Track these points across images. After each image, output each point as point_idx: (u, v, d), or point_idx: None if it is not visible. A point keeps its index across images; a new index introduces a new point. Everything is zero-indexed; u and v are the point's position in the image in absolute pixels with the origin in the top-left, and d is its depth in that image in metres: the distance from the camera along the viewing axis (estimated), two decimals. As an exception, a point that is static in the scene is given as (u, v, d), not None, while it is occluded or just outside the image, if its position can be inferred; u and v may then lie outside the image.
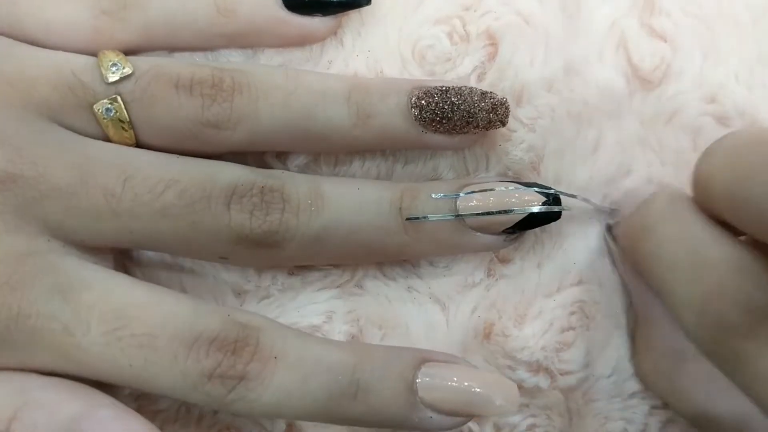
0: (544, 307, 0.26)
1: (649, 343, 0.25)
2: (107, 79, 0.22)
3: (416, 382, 0.23)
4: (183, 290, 0.26)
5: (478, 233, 0.24)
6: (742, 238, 0.21)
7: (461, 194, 0.24)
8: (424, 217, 0.24)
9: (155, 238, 0.23)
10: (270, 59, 0.26)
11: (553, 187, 0.25)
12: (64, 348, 0.21)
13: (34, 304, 0.21)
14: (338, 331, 0.26)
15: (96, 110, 0.22)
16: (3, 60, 0.22)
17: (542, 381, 0.26)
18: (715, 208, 0.20)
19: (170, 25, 0.24)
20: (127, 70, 0.22)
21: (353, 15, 0.26)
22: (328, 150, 0.25)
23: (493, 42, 0.25)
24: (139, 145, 0.23)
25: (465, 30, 0.26)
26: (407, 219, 0.24)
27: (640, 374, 0.25)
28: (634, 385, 0.26)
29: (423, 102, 0.24)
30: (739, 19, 0.26)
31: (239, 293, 0.26)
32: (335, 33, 0.26)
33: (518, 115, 0.26)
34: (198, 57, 0.25)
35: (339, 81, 0.24)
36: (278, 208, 0.23)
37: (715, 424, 0.23)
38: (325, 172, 0.26)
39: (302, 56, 0.26)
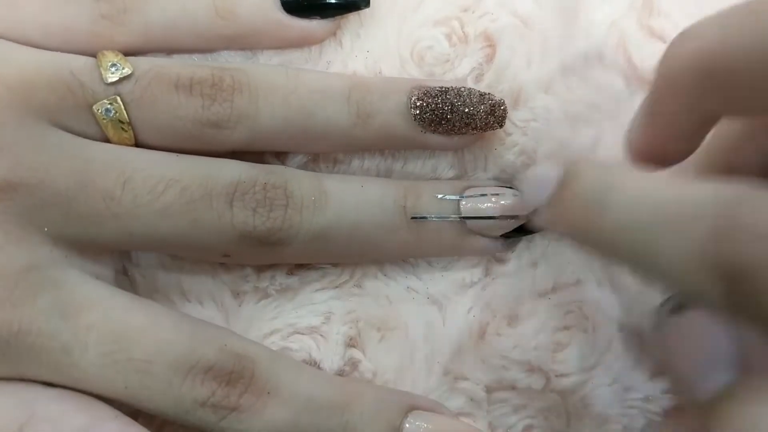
0: (538, 307, 0.26)
1: None
2: (106, 80, 0.22)
3: (403, 429, 0.23)
4: (182, 291, 0.26)
5: (478, 236, 0.25)
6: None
7: (465, 196, 0.24)
8: (429, 217, 0.24)
9: (156, 238, 0.23)
10: (269, 60, 0.26)
11: None
12: (62, 366, 0.22)
13: (35, 321, 0.21)
14: (337, 331, 0.26)
15: (95, 111, 0.22)
16: (2, 63, 0.22)
17: (536, 382, 0.26)
18: (720, 87, 0.18)
19: (169, 27, 0.24)
20: (127, 71, 0.22)
21: (352, 16, 0.26)
22: (327, 149, 0.25)
23: (491, 44, 0.26)
24: (138, 145, 0.23)
25: (463, 31, 0.26)
26: (412, 218, 0.24)
27: None
28: (635, 394, 0.26)
29: (422, 102, 0.24)
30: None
31: (237, 293, 0.26)
32: (334, 34, 0.26)
33: (513, 118, 0.26)
34: (197, 58, 0.25)
35: (339, 80, 0.24)
36: (281, 205, 0.23)
37: None
38: (325, 171, 0.26)
39: (301, 57, 0.26)
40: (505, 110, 0.24)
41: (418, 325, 0.26)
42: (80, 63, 0.23)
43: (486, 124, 0.24)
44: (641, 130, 0.21)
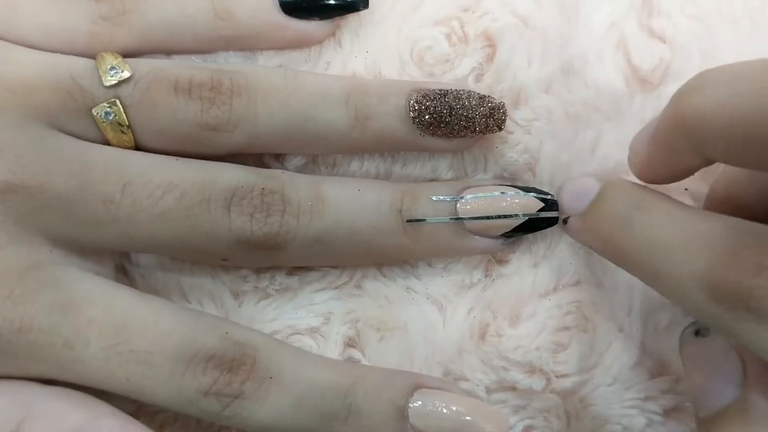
0: (539, 307, 0.26)
1: None
2: (106, 83, 0.22)
3: (408, 409, 0.23)
4: (181, 292, 0.26)
5: (477, 236, 0.25)
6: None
7: (461, 197, 0.24)
8: (424, 220, 0.24)
9: (155, 242, 0.23)
10: (268, 60, 0.26)
11: (550, 192, 0.25)
12: (64, 361, 0.22)
13: (36, 318, 0.21)
14: (336, 332, 0.26)
15: (95, 114, 0.22)
16: (2, 65, 0.22)
17: (536, 383, 0.26)
18: (714, 144, 0.19)
19: (169, 29, 0.24)
20: (126, 74, 0.22)
21: (351, 16, 0.26)
22: (326, 151, 0.25)
23: (491, 43, 0.25)
24: (138, 147, 0.23)
25: (463, 31, 0.26)
26: (407, 221, 0.24)
27: None
28: (634, 394, 0.26)
29: (421, 106, 0.24)
30: (738, 21, 0.26)
31: (237, 294, 0.26)
32: (333, 34, 0.26)
33: (515, 116, 0.25)
34: (196, 59, 0.25)
35: (338, 82, 0.24)
36: (279, 210, 0.23)
37: None
38: (324, 173, 0.26)
39: (300, 57, 0.26)
40: (504, 113, 0.24)
41: (418, 326, 0.26)
42: (80, 66, 0.23)
43: (485, 127, 0.24)
44: (642, 148, 0.22)
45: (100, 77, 0.22)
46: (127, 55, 0.23)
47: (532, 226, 0.24)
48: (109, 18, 0.23)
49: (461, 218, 0.24)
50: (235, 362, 0.22)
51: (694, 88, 0.19)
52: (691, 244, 0.19)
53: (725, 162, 0.20)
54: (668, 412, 0.26)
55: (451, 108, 0.24)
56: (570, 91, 0.26)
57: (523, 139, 0.26)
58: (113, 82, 0.22)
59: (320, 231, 0.23)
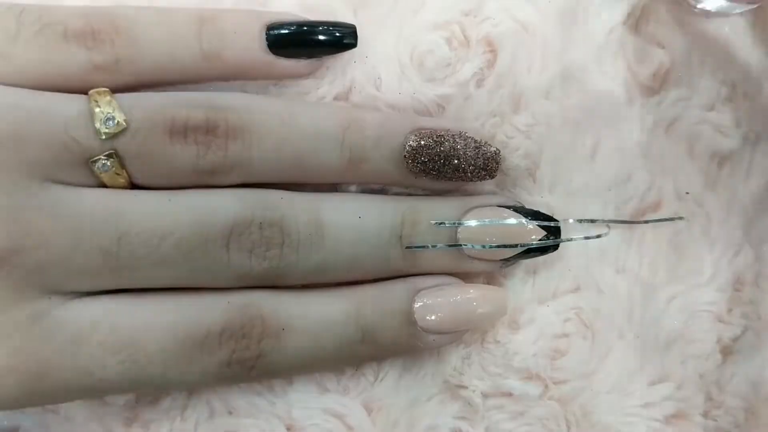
0: (537, 314, 0.26)
1: None
2: (101, 135, 0.22)
3: (414, 314, 0.24)
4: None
5: (476, 260, 0.25)
6: None
7: (462, 224, 0.24)
8: (425, 247, 0.24)
9: (156, 283, 0.23)
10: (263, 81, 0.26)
11: (553, 217, 0.25)
12: (87, 387, 0.23)
13: (52, 361, 0.22)
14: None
15: (92, 166, 0.22)
16: None
17: (534, 389, 0.26)
18: None
19: (159, 73, 0.24)
20: (122, 124, 0.22)
21: (350, 18, 0.25)
22: (321, 183, 0.26)
23: (492, 49, 0.25)
24: (134, 186, 0.23)
25: (464, 36, 0.26)
26: (407, 247, 0.24)
27: None
28: (634, 401, 0.26)
29: (416, 153, 0.24)
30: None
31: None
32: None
33: (515, 122, 0.25)
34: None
35: (334, 118, 0.24)
36: (278, 244, 0.23)
37: None
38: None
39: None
40: (498, 163, 0.25)
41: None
42: (73, 114, 0.22)
43: (477, 177, 0.25)
44: None
45: (95, 129, 0.22)
46: (118, 91, 0.23)
47: (532, 251, 0.25)
48: (103, 67, 0.23)
49: (461, 245, 0.24)
50: (245, 327, 0.23)
51: None
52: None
53: None
54: (669, 419, 0.26)
55: (446, 158, 0.24)
56: (570, 96, 0.26)
57: (523, 144, 0.26)
58: (110, 134, 0.22)
59: (319, 262, 0.24)
